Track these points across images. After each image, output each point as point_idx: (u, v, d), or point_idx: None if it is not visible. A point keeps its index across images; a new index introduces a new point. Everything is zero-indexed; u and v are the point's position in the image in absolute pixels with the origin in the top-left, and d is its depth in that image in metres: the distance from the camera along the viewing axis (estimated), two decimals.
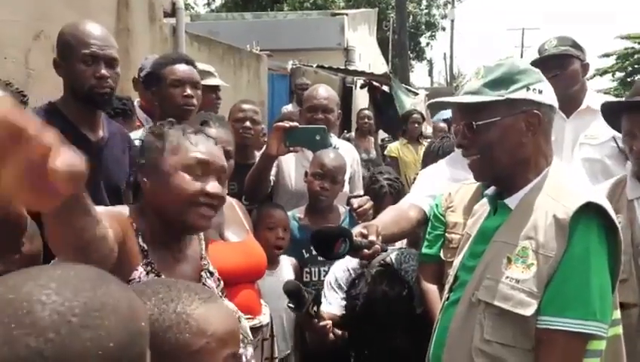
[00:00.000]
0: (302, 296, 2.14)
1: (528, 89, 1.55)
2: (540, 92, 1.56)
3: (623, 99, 2.61)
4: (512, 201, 1.59)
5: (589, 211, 1.47)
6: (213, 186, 1.49)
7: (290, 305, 2.16)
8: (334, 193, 2.77)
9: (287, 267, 2.63)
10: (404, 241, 2.68)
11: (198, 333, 0.92)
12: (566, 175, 1.61)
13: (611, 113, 2.36)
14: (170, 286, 1.00)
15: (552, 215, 1.48)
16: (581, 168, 2.80)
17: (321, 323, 2.19)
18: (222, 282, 1.70)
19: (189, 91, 2.66)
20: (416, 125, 6.87)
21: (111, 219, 1.31)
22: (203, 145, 1.53)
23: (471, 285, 1.57)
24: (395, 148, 6.87)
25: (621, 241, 1.51)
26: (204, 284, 1.59)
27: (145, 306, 0.89)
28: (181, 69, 2.69)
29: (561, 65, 2.87)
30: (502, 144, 1.55)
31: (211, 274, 1.67)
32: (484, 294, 1.52)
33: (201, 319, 0.93)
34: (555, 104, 1.61)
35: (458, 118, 1.63)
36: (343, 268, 2.47)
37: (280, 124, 2.53)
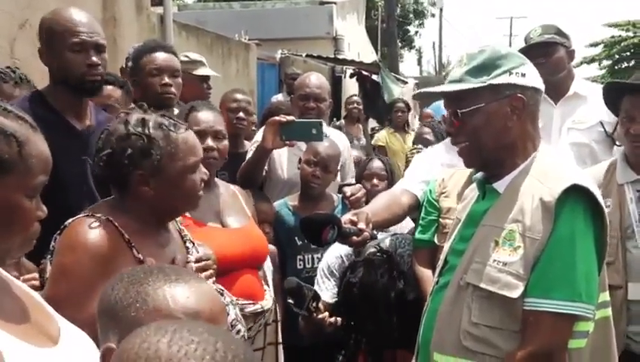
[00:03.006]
0: (302, 294, 2.17)
1: (511, 73, 1.56)
2: (523, 75, 1.57)
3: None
4: (500, 185, 1.60)
5: (575, 193, 1.48)
6: (204, 171, 1.67)
7: (291, 302, 2.18)
8: (326, 181, 2.78)
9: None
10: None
11: (152, 311, 0.93)
12: (553, 158, 1.62)
13: (613, 95, 2.37)
14: (146, 270, 1.02)
15: (538, 198, 1.49)
16: (569, 152, 2.82)
17: (319, 316, 2.22)
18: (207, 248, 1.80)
19: (167, 80, 2.63)
20: (400, 114, 6.88)
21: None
22: (191, 141, 1.60)
23: (460, 269, 1.59)
24: (382, 137, 6.87)
25: (607, 223, 1.53)
26: (189, 255, 1.69)
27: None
28: (159, 57, 2.67)
29: (545, 53, 2.90)
30: (488, 129, 1.57)
31: (193, 243, 1.76)
32: (472, 277, 1.53)
33: (159, 298, 0.95)
34: (541, 86, 1.62)
35: (447, 107, 1.65)
36: (336, 254, 2.48)
37: (276, 118, 2.53)
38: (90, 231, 1.46)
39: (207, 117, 2.18)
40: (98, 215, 1.50)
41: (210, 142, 2.14)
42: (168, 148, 1.53)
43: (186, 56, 3.59)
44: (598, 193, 1.52)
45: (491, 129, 1.56)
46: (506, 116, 1.56)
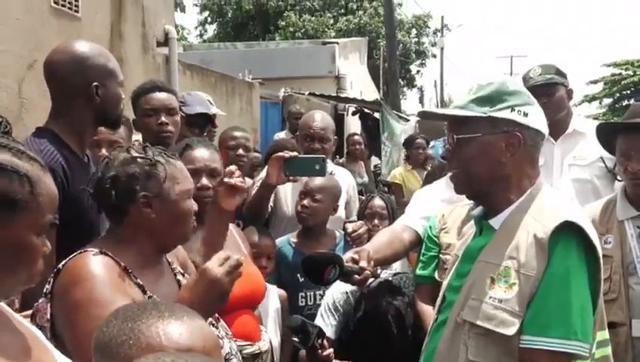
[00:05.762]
0: (307, 331, 2.16)
1: (513, 110, 1.57)
2: (526, 115, 1.58)
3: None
4: (496, 221, 1.61)
5: (568, 230, 1.48)
6: (194, 204, 1.67)
7: (296, 340, 2.18)
8: (316, 212, 2.76)
9: (273, 296, 2.61)
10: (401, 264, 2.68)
11: (145, 349, 0.93)
12: (549, 195, 1.62)
13: (606, 135, 2.40)
14: (140, 306, 1.03)
15: (532, 234, 1.49)
16: (571, 189, 2.84)
17: (325, 353, 2.21)
18: None
19: (163, 119, 2.67)
20: (421, 151, 6.43)
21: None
22: (184, 168, 1.67)
23: (457, 305, 1.58)
24: (399, 174, 6.55)
25: (600, 260, 1.52)
26: (180, 284, 1.69)
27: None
28: (155, 97, 2.72)
29: (547, 93, 2.95)
30: (480, 160, 1.58)
31: (183, 274, 1.75)
32: (469, 314, 1.53)
33: (152, 335, 0.95)
34: (543, 129, 1.63)
35: (448, 130, 1.67)
36: (342, 290, 2.47)
37: (280, 153, 2.56)
38: (89, 261, 1.46)
39: (202, 155, 2.17)
40: (90, 249, 1.51)
41: (204, 180, 2.11)
42: (169, 171, 1.58)
43: (208, 100, 3.64)
44: (591, 229, 1.52)
45: (483, 160, 1.58)
46: (499, 151, 1.57)
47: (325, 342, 2.26)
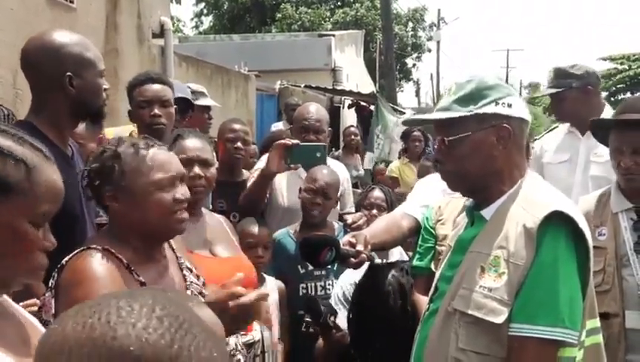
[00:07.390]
0: (319, 309, 2.16)
1: (497, 103, 1.59)
2: (510, 106, 1.60)
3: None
4: (487, 212, 1.62)
5: (557, 220, 1.50)
6: (181, 192, 1.59)
7: (308, 319, 2.18)
8: (326, 208, 2.78)
9: (271, 288, 2.61)
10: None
11: None
12: (538, 186, 1.64)
13: (601, 130, 2.42)
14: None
15: (522, 224, 1.51)
16: (589, 185, 2.87)
17: (339, 334, 2.21)
18: (202, 278, 1.75)
19: (156, 111, 2.64)
20: (417, 143, 6.37)
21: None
22: (160, 158, 1.58)
23: (448, 295, 1.60)
24: (395, 167, 6.48)
25: (590, 249, 1.53)
26: (187, 282, 1.67)
27: None
28: (149, 88, 2.69)
29: (555, 99, 3.12)
30: (473, 157, 1.60)
31: (190, 270, 1.73)
32: (459, 303, 1.55)
33: None
34: (527, 117, 1.65)
35: (436, 134, 1.69)
36: (351, 281, 2.46)
37: (282, 141, 2.54)
38: (92, 261, 1.46)
39: (193, 144, 2.16)
40: (94, 246, 1.51)
41: (197, 170, 2.11)
42: (133, 164, 1.54)
43: (188, 87, 3.64)
44: (580, 219, 1.53)
45: (477, 157, 1.59)
46: (491, 145, 1.58)
47: (338, 322, 2.25)
